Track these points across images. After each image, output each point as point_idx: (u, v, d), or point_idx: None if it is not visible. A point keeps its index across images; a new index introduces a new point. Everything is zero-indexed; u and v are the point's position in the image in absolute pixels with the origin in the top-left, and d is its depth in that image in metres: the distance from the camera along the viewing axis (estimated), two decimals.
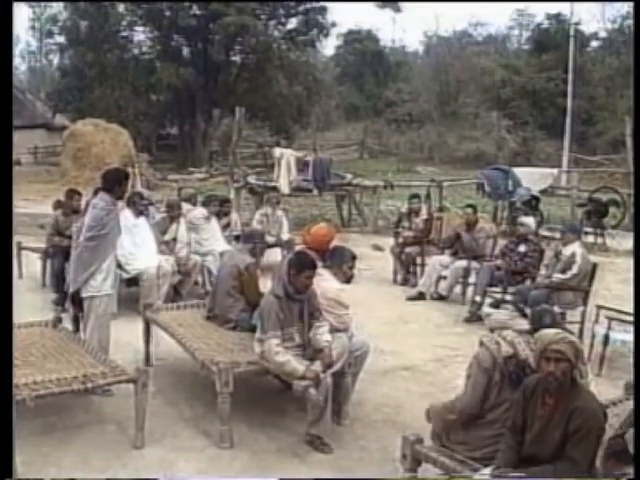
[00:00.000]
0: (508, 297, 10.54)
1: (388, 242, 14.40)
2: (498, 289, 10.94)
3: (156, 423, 6.79)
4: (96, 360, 6.84)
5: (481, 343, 5.45)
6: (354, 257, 7.48)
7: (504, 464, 4.87)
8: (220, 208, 12.99)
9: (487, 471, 4.85)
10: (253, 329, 7.12)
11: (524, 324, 5.57)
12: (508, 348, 5.26)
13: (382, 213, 20.36)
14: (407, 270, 13.39)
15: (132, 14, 42.10)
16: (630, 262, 15.78)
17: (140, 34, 44.66)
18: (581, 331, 9.86)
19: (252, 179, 19.33)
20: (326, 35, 46.29)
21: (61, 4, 44.37)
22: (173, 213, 11.65)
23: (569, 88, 36.46)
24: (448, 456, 5.28)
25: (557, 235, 12.18)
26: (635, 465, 4.49)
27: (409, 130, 50.78)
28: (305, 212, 22.13)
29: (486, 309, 10.54)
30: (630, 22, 50.11)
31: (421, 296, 12.25)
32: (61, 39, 44.68)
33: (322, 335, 6.77)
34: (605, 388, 6.70)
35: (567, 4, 42.58)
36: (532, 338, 5.22)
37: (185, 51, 44.25)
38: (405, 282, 13.26)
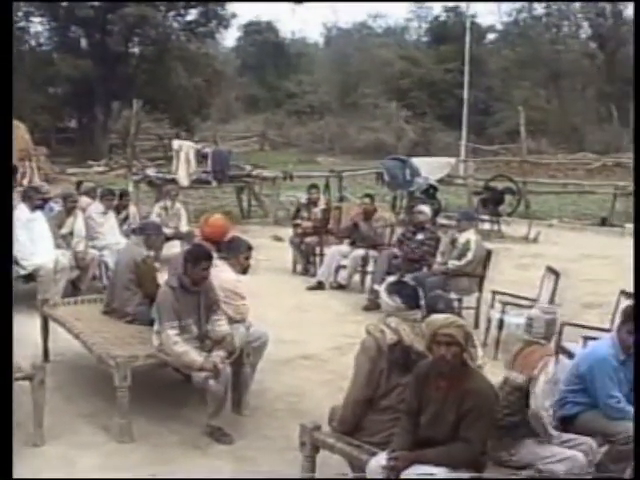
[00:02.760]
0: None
1: (288, 233, 14.45)
2: (396, 277, 11.11)
3: (55, 420, 6.74)
4: None
5: (367, 331, 5.54)
6: (250, 248, 7.52)
7: (400, 447, 4.97)
8: (119, 201, 12.87)
9: (384, 455, 4.94)
10: (151, 322, 7.09)
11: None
12: (392, 335, 5.35)
13: (282, 204, 20.38)
14: (307, 260, 13.51)
15: (28, 5, 40.98)
16: (525, 248, 16.34)
17: (37, 25, 43.45)
18: (477, 316, 10.12)
19: (151, 172, 19.16)
20: (226, 26, 45.94)
21: None
22: (68, 205, 11.49)
23: (466, 79, 37.06)
24: (346, 442, 5.35)
25: (453, 223, 12.43)
26: (635, 465, 4.63)
27: (310, 121, 50.72)
28: (205, 204, 21.96)
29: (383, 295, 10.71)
30: (524, 15, 51.18)
31: (320, 285, 12.36)
32: None
33: (221, 327, 6.80)
34: (501, 371, 6.86)
35: None
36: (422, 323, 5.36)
37: (83, 42, 43.21)
38: (305, 272, 13.39)
